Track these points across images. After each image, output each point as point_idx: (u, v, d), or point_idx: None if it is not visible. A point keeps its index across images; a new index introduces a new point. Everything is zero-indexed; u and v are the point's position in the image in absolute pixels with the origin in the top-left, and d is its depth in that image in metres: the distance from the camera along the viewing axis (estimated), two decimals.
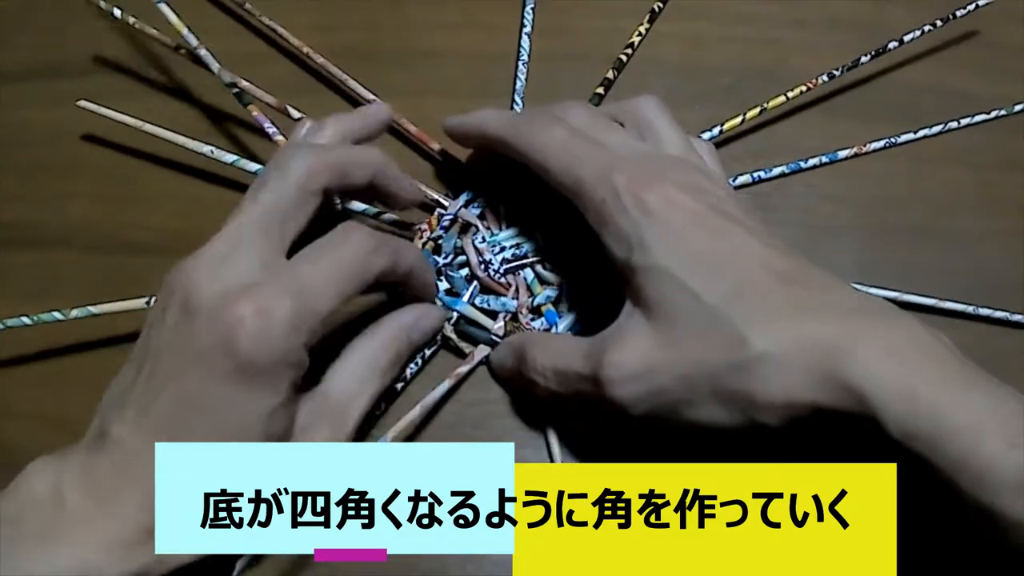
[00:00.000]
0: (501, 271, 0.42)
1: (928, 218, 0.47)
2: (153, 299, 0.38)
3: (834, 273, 0.33)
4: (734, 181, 0.46)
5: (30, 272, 0.44)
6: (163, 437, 0.30)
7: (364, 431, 0.38)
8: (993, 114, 0.49)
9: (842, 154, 0.47)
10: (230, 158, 0.42)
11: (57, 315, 0.40)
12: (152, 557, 0.30)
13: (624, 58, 0.49)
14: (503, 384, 0.41)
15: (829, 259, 0.45)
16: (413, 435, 0.40)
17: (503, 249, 0.43)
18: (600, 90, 0.48)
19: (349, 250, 0.34)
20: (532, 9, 0.50)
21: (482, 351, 0.41)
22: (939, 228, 0.47)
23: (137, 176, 0.45)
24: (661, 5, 0.51)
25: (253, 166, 0.42)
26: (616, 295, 0.36)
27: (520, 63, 0.48)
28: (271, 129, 0.43)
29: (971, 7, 0.49)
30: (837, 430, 0.30)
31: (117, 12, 0.46)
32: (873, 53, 0.48)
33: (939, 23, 0.49)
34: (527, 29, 0.49)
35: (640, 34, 0.50)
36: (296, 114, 0.44)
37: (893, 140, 0.48)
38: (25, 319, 0.40)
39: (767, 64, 0.51)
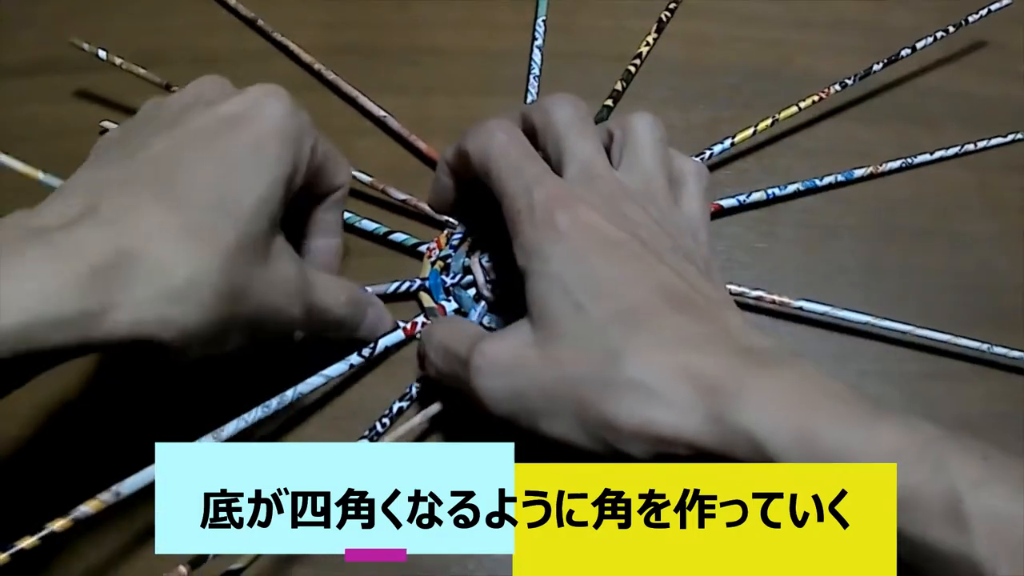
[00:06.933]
0: None
1: (930, 219, 0.47)
2: None
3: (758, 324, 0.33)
4: (748, 197, 0.46)
5: None
6: (164, 172, 0.30)
7: (367, 438, 0.39)
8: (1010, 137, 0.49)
9: (857, 173, 0.47)
10: None
11: None
12: (89, 303, 0.27)
13: (633, 69, 0.49)
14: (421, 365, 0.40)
15: (831, 259, 0.46)
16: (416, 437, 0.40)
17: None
18: (609, 102, 0.48)
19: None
20: (543, 22, 0.50)
21: None
22: (941, 229, 0.47)
23: None
24: (669, 15, 0.51)
25: None
26: None
27: (531, 76, 0.48)
28: None
29: (983, 12, 0.49)
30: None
31: (102, 54, 0.46)
32: (885, 61, 0.48)
33: (952, 28, 0.49)
34: (538, 42, 0.49)
35: (648, 43, 0.50)
36: None
37: (910, 161, 0.48)
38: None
39: (771, 64, 0.51)
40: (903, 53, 0.48)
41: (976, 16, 0.49)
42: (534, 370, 0.32)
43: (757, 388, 0.29)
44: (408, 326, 0.41)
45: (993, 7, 0.49)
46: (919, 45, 0.49)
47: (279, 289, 0.33)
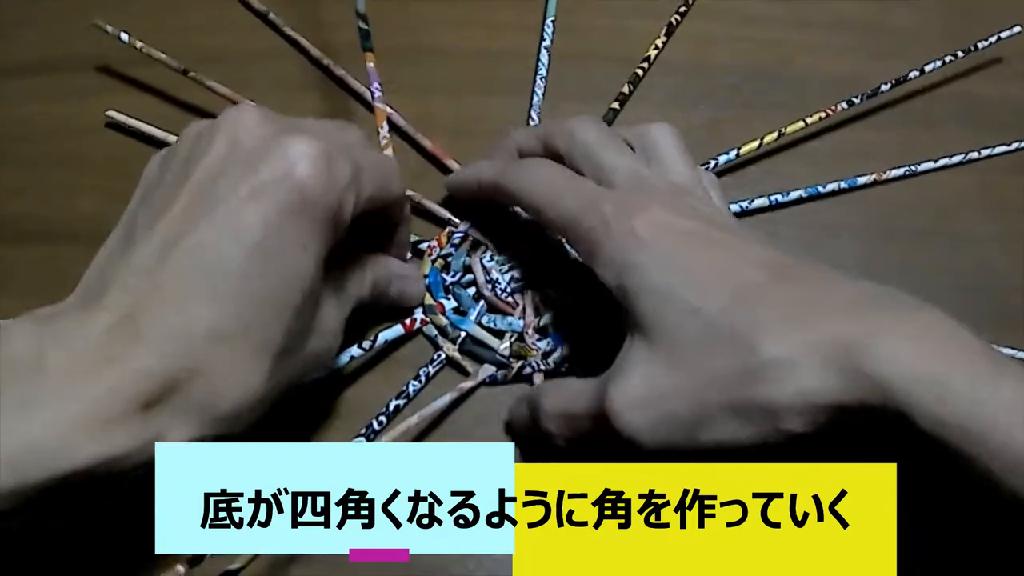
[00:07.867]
0: (508, 290, 0.42)
1: (931, 219, 0.47)
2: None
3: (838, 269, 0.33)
4: (751, 203, 0.46)
5: (36, 267, 0.44)
6: (203, 270, 0.29)
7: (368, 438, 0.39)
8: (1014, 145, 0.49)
9: (861, 180, 0.47)
10: None
11: None
12: (136, 440, 0.28)
13: (640, 72, 0.49)
14: (520, 439, 0.40)
15: (832, 260, 0.45)
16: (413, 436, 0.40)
17: (512, 268, 0.43)
18: (615, 105, 0.48)
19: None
20: (552, 22, 0.50)
21: (486, 370, 0.41)
22: (942, 229, 0.47)
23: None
24: (679, 17, 0.51)
25: None
26: (611, 322, 0.35)
27: (538, 77, 0.48)
28: (376, 92, 0.43)
29: (992, 39, 0.49)
30: (860, 430, 0.29)
31: (124, 36, 0.47)
32: (893, 82, 0.48)
33: (960, 54, 0.49)
34: (546, 43, 0.49)
35: (657, 47, 0.50)
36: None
37: (913, 168, 0.48)
38: None
39: (772, 64, 0.51)
40: (911, 75, 0.48)
41: (985, 43, 0.49)
42: (676, 389, 0.31)
43: (887, 338, 0.28)
44: (408, 322, 0.41)
45: (1003, 34, 0.50)
46: (927, 68, 0.49)
47: (324, 340, 0.34)
